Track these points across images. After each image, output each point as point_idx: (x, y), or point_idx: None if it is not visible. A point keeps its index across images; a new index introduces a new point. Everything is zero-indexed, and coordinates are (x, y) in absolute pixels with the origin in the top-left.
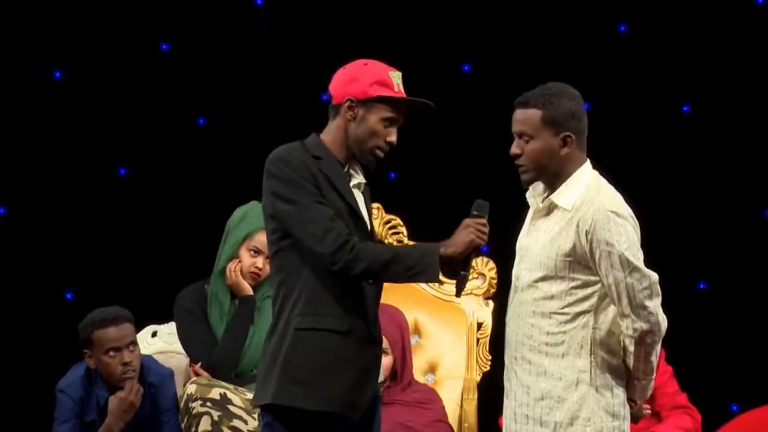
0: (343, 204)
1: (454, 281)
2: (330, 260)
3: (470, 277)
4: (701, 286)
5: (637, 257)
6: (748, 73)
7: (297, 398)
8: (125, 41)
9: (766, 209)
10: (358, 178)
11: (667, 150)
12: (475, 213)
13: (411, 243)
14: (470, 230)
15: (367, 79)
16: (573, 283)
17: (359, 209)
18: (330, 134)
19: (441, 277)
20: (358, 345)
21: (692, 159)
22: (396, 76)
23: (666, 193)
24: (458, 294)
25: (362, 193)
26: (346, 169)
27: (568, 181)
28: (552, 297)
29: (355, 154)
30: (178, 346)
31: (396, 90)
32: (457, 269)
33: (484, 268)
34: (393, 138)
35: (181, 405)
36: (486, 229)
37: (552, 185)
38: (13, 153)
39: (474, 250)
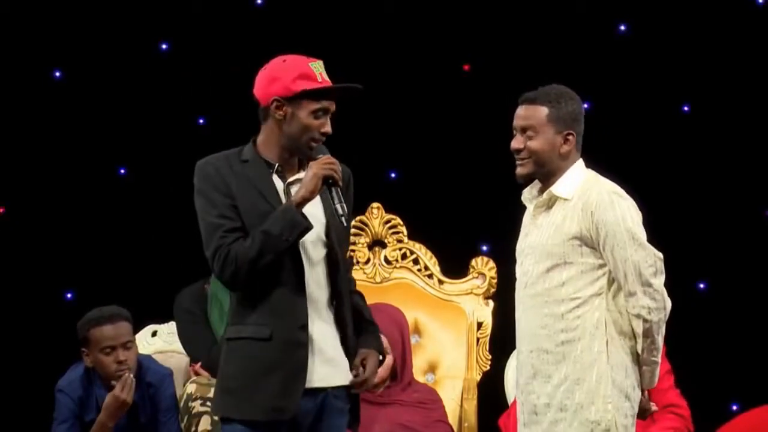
0: (266, 204)
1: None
2: (223, 281)
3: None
4: (701, 286)
5: (642, 233)
6: (748, 73)
7: (228, 408)
8: (125, 41)
9: (766, 209)
10: (297, 175)
11: (666, 150)
12: (316, 157)
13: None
14: (313, 169)
15: (289, 75)
16: (582, 267)
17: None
18: (263, 136)
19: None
20: (281, 350)
21: (692, 159)
22: (317, 66)
23: (666, 193)
24: (346, 225)
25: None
26: (275, 168)
27: (563, 176)
28: (563, 284)
29: (292, 151)
30: (178, 346)
31: (319, 80)
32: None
33: (484, 268)
34: (327, 128)
35: (181, 404)
36: (329, 161)
37: (547, 181)
38: (13, 153)
39: (330, 184)
